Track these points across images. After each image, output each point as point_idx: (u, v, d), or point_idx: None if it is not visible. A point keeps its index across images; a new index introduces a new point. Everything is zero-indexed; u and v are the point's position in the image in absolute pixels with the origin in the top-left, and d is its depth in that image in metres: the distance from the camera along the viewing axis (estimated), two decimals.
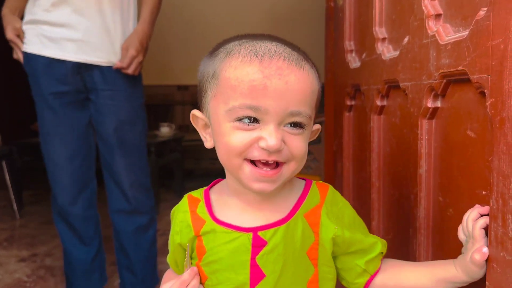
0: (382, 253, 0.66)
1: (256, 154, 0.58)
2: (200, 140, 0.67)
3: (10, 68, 4.64)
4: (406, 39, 0.74)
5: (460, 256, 0.58)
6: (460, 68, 0.57)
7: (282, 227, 0.63)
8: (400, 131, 0.81)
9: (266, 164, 0.58)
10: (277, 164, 0.59)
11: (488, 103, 0.51)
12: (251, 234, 0.62)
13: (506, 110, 0.48)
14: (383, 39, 0.88)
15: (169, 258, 0.72)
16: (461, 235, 0.58)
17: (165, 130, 3.48)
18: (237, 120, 0.57)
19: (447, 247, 0.64)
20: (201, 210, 0.67)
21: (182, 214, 0.68)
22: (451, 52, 0.59)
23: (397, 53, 0.79)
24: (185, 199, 0.70)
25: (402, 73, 0.76)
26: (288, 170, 0.60)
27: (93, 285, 1.61)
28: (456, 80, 0.60)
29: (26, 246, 2.45)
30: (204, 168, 4.29)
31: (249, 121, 0.57)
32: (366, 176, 0.99)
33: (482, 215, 0.54)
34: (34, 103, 1.48)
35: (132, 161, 1.53)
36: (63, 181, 1.48)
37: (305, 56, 0.62)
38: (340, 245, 0.64)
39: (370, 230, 0.95)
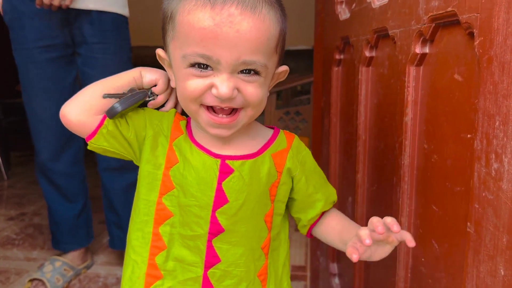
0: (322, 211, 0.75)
1: (210, 101, 0.60)
2: None
3: None
4: None
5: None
6: (449, 9, 0.55)
7: (250, 160, 0.67)
8: (388, 81, 0.80)
9: (222, 110, 0.60)
10: (234, 110, 0.61)
11: (476, 43, 0.50)
12: (219, 160, 0.66)
13: (494, 48, 0.47)
14: None
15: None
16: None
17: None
18: (191, 67, 0.59)
19: (430, 193, 0.65)
20: (183, 124, 0.70)
21: (167, 120, 0.70)
22: None
23: (386, 0, 0.77)
24: (173, 111, 0.72)
25: (392, 20, 0.74)
26: (245, 116, 0.62)
27: (79, 242, 1.62)
28: (445, 23, 0.59)
29: (14, 206, 2.45)
30: None
31: (201, 68, 0.58)
32: (352, 130, 0.98)
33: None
34: (14, 58, 1.43)
35: None
36: (47, 138, 1.46)
37: None
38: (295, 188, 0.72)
39: (355, 183, 0.96)
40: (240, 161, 0.66)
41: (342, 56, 1.11)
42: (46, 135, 1.46)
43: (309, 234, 0.78)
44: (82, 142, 1.58)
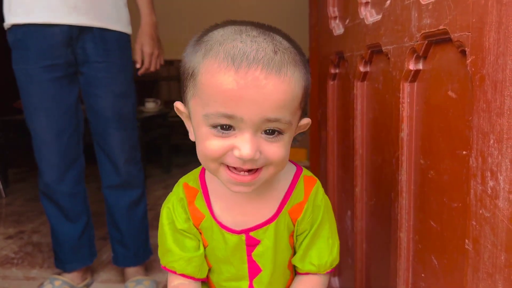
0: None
1: (231, 161, 0.58)
2: None
3: None
4: (388, 2, 0.73)
5: None
6: (441, 27, 0.56)
7: (272, 225, 0.68)
8: (383, 96, 0.81)
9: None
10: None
11: (468, 61, 0.50)
12: (243, 235, 0.68)
13: (486, 67, 0.47)
14: (366, 3, 0.87)
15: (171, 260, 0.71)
16: None
17: (151, 106, 3.45)
18: (213, 127, 0.57)
19: (428, 209, 0.65)
20: (199, 202, 0.69)
21: (180, 205, 0.69)
22: (432, 11, 0.58)
23: (379, 16, 0.78)
24: (181, 187, 0.70)
25: (385, 37, 0.75)
26: (267, 173, 0.61)
27: (82, 261, 1.61)
28: (437, 41, 0.60)
29: (12, 224, 2.44)
30: (191, 144, 4.25)
31: (223, 129, 0.57)
32: (349, 144, 0.99)
33: None
34: (15, 77, 1.42)
35: (126, 135, 1.50)
36: (50, 158, 1.44)
37: (289, 55, 0.58)
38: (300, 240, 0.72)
39: (354, 197, 0.96)
40: (263, 229, 0.68)
41: (337, 70, 1.12)
42: (49, 156, 1.44)
43: None
44: (84, 161, 1.57)
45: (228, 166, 0.59)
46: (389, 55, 0.74)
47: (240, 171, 0.59)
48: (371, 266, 0.92)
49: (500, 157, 0.45)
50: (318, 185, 0.71)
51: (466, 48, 0.51)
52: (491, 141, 0.47)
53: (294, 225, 0.70)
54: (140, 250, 1.62)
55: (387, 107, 0.78)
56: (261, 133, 0.57)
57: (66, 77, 1.40)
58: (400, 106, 0.70)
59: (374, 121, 0.87)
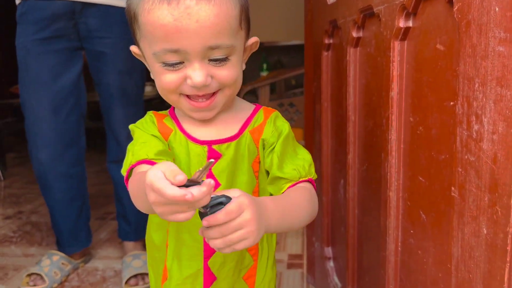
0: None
1: (187, 90, 0.63)
2: None
3: None
4: None
5: None
6: None
7: (234, 142, 0.69)
8: (375, 59, 0.81)
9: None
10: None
11: (455, 9, 0.51)
12: (206, 146, 0.68)
13: (471, 12, 0.47)
14: None
15: (138, 151, 0.65)
16: None
17: (148, 89, 3.44)
18: (163, 64, 0.61)
19: (417, 165, 0.65)
20: (168, 120, 0.71)
21: (150, 121, 0.71)
22: None
23: None
24: (150, 113, 0.72)
25: None
26: (224, 96, 0.65)
27: (81, 243, 1.62)
28: None
29: (11, 205, 2.45)
30: None
31: (173, 63, 0.61)
32: (343, 113, 0.99)
33: None
34: (16, 54, 1.41)
35: (129, 111, 1.50)
36: (46, 135, 1.42)
37: None
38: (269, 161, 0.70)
39: (346, 165, 0.96)
40: (225, 144, 0.69)
41: (331, 41, 1.12)
42: (45, 133, 1.42)
43: None
44: (85, 143, 1.57)
45: (187, 96, 0.64)
46: (380, 16, 0.74)
47: (198, 98, 0.64)
48: (362, 230, 0.93)
49: (484, 99, 0.46)
50: (276, 113, 0.74)
51: None
52: (476, 85, 0.47)
53: (257, 147, 0.70)
54: (140, 226, 1.63)
55: (379, 69, 0.78)
56: (208, 60, 0.61)
57: (66, 50, 1.39)
58: (391, 65, 0.70)
59: (367, 86, 0.87)
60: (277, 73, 2.51)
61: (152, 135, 0.68)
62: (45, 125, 1.42)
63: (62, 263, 1.56)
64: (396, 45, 0.69)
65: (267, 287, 0.76)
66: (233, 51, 0.62)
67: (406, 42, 0.68)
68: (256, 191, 0.71)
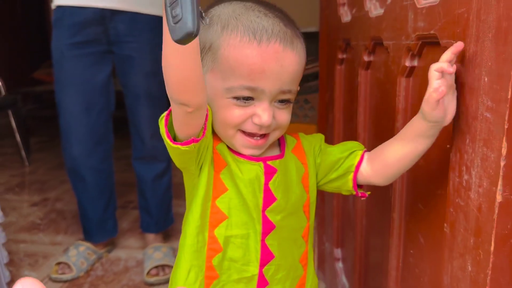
0: (357, 150, 0.73)
1: (249, 128, 0.65)
2: None
3: (9, 18, 4.59)
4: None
5: None
6: (432, 32, 0.61)
7: (282, 159, 0.72)
8: (384, 86, 0.87)
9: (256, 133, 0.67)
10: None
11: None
12: (261, 163, 0.69)
13: (466, 76, 0.53)
14: None
15: None
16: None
17: None
18: (235, 98, 0.63)
19: (418, 193, 0.72)
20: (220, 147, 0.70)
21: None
22: (425, 16, 0.63)
23: (382, 11, 0.83)
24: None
25: (386, 32, 0.80)
26: (275, 136, 0.69)
27: (108, 234, 1.73)
28: (429, 43, 0.65)
29: (37, 192, 2.57)
30: None
31: (245, 99, 0.63)
32: (353, 127, 1.05)
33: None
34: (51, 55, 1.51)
35: (154, 111, 1.59)
36: (79, 133, 1.54)
37: (295, 29, 0.65)
38: (323, 165, 0.74)
39: None
40: (278, 160, 0.71)
41: (344, 56, 1.17)
42: (78, 131, 1.53)
43: (358, 192, 0.74)
44: (113, 139, 1.67)
45: (243, 132, 0.67)
46: (388, 50, 0.79)
47: (254, 136, 0.67)
48: (369, 239, 1.00)
49: (473, 154, 0.52)
50: (301, 133, 0.79)
51: None
52: (467, 141, 0.53)
53: (304, 164, 0.73)
54: (161, 219, 1.74)
55: (387, 96, 0.84)
56: (275, 102, 0.65)
57: (97, 54, 1.48)
58: (397, 98, 0.76)
59: (376, 108, 0.93)
60: None
61: None
62: (78, 123, 1.52)
63: (88, 253, 1.67)
64: (402, 81, 0.75)
65: None
66: (295, 97, 0.68)
67: (411, 79, 0.74)
68: (307, 205, 0.73)
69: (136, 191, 1.78)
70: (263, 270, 0.71)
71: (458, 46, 0.53)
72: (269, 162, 0.70)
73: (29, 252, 1.80)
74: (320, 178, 0.75)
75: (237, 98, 0.63)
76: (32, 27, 4.80)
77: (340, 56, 1.18)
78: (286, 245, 0.72)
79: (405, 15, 0.71)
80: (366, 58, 0.95)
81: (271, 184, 0.69)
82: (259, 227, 0.69)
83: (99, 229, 1.69)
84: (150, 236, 1.75)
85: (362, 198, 0.75)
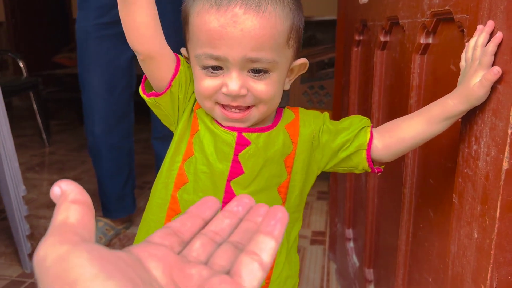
0: (366, 127, 0.70)
1: (222, 99, 0.64)
2: None
3: (31, 3, 4.67)
4: None
5: (458, 87, 0.57)
6: (446, 7, 0.63)
7: (265, 133, 0.69)
8: (399, 65, 0.88)
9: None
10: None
11: (465, 41, 0.58)
12: (235, 133, 0.68)
13: None
14: None
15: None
16: (462, 62, 0.58)
17: None
18: (204, 68, 0.63)
19: (428, 168, 0.73)
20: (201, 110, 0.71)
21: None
22: None
23: None
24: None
25: (402, 11, 0.81)
26: (258, 111, 0.66)
27: (126, 210, 1.78)
28: (444, 19, 0.66)
29: (56, 171, 2.64)
30: None
31: (213, 69, 0.62)
32: (368, 108, 1.07)
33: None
34: (76, 36, 1.55)
35: None
36: (101, 111, 1.58)
37: None
38: (330, 144, 0.70)
39: None
40: (255, 134, 0.68)
41: (361, 38, 1.18)
42: (101, 109, 1.58)
43: (374, 168, 0.72)
44: (133, 118, 1.72)
45: (221, 105, 0.65)
46: (404, 28, 0.80)
47: (231, 108, 0.64)
48: (379, 218, 1.02)
49: (482, 125, 0.54)
50: (301, 108, 0.75)
51: (464, 29, 0.58)
52: (477, 111, 0.55)
53: (293, 143, 0.70)
54: None
55: (401, 75, 0.85)
56: (248, 71, 0.62)
57: (121, 35, 1.50)
58: (411, 76, 0.77)
59: (390, 88, 0.94)
60: (307, 53, 2.56)
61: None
62: (101, 101, 1.57)
63: (106, 229, 1.73)
64: (417, 58, 0.76)
65: (283, 283, 0.74)
66: (274, 67, 0.62)
67: (425, 56, 0.75)
68: (284, 186, 0.71)
69: (154, 171, 1.83)
70: None
71: (490, 25, 0.51)
72: (244, 134, 0.68)
73: None
74: (329, 159, 0.72)
75: (205, 67, 0.63)
76: (53, 12, 4.87)
77: (356, 38, 1.19)
78: None
79: None
80: (382, 38, 0.96)
81: (240, 156, 0.68)
82: (220, 197, 0.68)
83: (117, 205, 1.75)
84: None
85: (378, 173, 0.73)
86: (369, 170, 0.72)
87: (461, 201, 0.59)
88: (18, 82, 2.99)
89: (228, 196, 0.68)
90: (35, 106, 3.07)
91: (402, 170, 0.81)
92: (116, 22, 1.53)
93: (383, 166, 0.73)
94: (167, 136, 1.71)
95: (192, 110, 0.71)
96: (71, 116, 4.15)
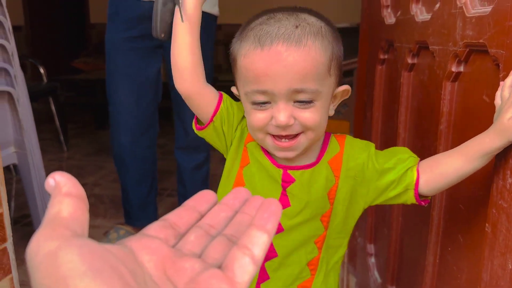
0: (413, 166, 0.71)
1: (272, 130, 0.68)
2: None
3: (50, 10, 4.75)
4: (437, 6, 0.80)
5: (494, 123, 0.59)
6: (481, 40, 0.64)
7: (309, 170, 0.73)
8: (427, 88, 0.89)
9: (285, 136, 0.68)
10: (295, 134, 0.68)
11: (501, 75, 0.59)
12: (281, 170, 0.73)
13: None
14: (417, 0, 0.94)
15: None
16: (497, 100, 0.60)
17: None
18: (253, 104, 0.68)
19: (458, 194, 0.75)
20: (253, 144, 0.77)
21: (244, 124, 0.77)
22: (474, 25, 0.66)
23: (429, 16, 0.85)
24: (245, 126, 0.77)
25: (432, 37, 0.83)
26: (306, 138, 0.69)
27: (149, 217, 1.81)
28: (477, 50, 0.68)
29: (75, 176, 2.66)
30: None
31: (261, 103, 0.67)
32: (393, 126, 1.08)
33: None
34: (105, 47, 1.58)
35: None
36: (128, 123, 1.62)
37: (312, 28, 0.64)
38: (372, 176, 0.72)
39: None
40: (300, 171, 0.73)
41: (386, 56, 1.20)
42: (128, 120, 1.62)
43: (421, 201, 0.72)
44: (157, 128, 1.75)
45: (272, 135, 0.69)
46: (434, 54, 0.82)
47: (282, 138, 0.68)
48: (404, 237, 1.04)
49: None
50: (349, 137, 0.77)
51: (500, 63, 0.60)
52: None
53: (336, 177, 0.73)
54: None
55: (430, 99, 0.87)
56: (294, 102, 0.65)
57: (149, 48, 1.55)
58: (441, 102, 0.79)
59: (418, 109, 0.96)
60: None
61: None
62: (128, 113, 1.61)
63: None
64: (447, 85, 0.77)
65: None
66: (318, 96, 0.66)
67: (456, 84, 0.76)
68: (327, 215, 0.75)
69: (176, 179, 1.87)
70: (265, 264, 0.76)
71: None
72: (289, 171, 0.73)
73: None
74: (376, 196, 0.74)
75: (254, 103, 0.67)
76: (71, 18, 4.95)
77: (381, 56, 1.21)
78: (293, 248, 0.75)
79: (453, 23, 0.73)
80: (410, 61, 0.98)
81: (288, 190, 0.73)
82: None
83: (141, 213, 1.78)
84: None
85: (426, 205, 0.74)
86: (417, 203, 0.73)
87: (494, 231, 0.60)
88: (38, 88, 3.05)
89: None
90: (54, 110, 3.12)
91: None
92: (143, 36, 1.57)
93: (430, 197, 0.74)
94: (190, 147, 1.75)
95: (240, 142, 0.76)
96: (86, 121, 4.20)
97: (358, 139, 0.79)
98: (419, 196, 0.71)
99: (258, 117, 0.68)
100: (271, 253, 0.75)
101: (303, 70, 0.63)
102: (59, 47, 4.77)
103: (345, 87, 0.73)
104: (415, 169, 0.71)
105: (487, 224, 0.62)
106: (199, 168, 1.78)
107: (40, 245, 0.23)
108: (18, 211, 2.11)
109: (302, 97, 0.65)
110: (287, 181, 0.74)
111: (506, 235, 0.57)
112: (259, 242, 0.27)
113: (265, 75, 0.64)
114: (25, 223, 2.00)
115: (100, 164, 2.91)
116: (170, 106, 1.77)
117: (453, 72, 0.75)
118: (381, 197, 0.75)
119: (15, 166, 1.62)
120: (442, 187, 0.70)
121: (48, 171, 2.76)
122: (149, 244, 0.27)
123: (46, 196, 1.51)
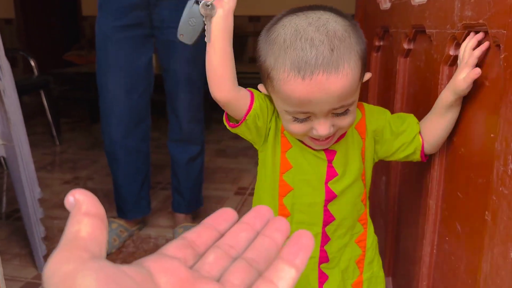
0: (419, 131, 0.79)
1: (312, 135, 0.73)
2: None
3: (42, 2, 4.68)
4: None
5: (450, 80, 0.69)
6: (480, 21, 0.62)
7: (343, 139, 0.80)
8: (424, 74, 0.87)
9: None
10: None
11: (502, 56, 0.57)
12: (322, 151, 0.79)
13: None
14: None
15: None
16: (458, 61, 0.69)
17: None
18: (293, 117, 0.71)
19: (456, 182, 0.73)
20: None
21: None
22: (474, 5, 0.63)
23: (425, 0, 0.82)
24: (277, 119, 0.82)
25: (429, 20, 0.80)
26: (340, 133, 0.76)
27: (142, 211, 1.79)
28: (476, 32, 0.65)
29: (68, 170, 2.65)
30: None
31: (302, 119, 0.71)
32: None
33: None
34: (95, 37, 1.55)
35: (192, 97, 1.63)
36: (119, 115, 1.58)
37: (344, 44, 0.65)
38: (388, 137, 0.81)
39: (389, 163, 1.04)
40: (338, 143, 0.79)
41: (381, 43, 1.17)
42: (119, 112, 1.57)
43: (424, 158, 0.81)
44: (150, 121, 1.72)
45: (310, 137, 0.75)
46: (431, 38, 0.79)
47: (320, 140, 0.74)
48: (401, 227, 1.02)
49: None
50: (365, 104, 0.84)
51: (500, 44, 0.57)
52: None
53: (362, 138, 0.81)
54: (192, 200, 1.79)
55: (427, 85, 0.84)
56: (332, 113, 0.70)
57: (140, 38, 1.51)
58: (439, 87, 0.76)
59: (414, 96, 0.93)
60: None
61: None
62: (119, 105, 1.56)
63: (120, 231, 1.73)
64: (445, 69, 0.75)
65: (374, 249, 0.88)
66: (353, 104, 0.71)
67: (454, 68, 0.74)
68: (363, 173, 0.83)
69: (170, 172, 1.83)
70: (325, 228, 0.82)
71: (481, 35, 0.64)
72: (329, 147, 0.79)
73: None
74: (389, 155, 0.83)
75: (296, 118, 0.71)
76: (63, 8, 4.88)
77: (377, 43, 1.18)
78: (346, 209, 0.82)
79: (451, 4, 0.71)
80: (406, 46, 0.95)
81: (334, 163, 0.79)
82: (322, 196, 0.80)
83: (134, 206, 1.75)
84: (180, 216, 1.80)
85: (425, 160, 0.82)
86: (420, 160, 0.82)
87: (494, 219, 0.58)
88: (29, 81, 3.00)
89: (329, 195, 0.80)
90: (45, 104, 3.08)
91: (428, 182, 0.81)
92: (135, 25, 1.54)
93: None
94: (184, 139, 1.71)
95: (277, 131, 0.80)
96: (80, 115, 4.16)
97: (372, 105, 0.86)
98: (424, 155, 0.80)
99: (298, 127, 0.72)
100: (329, 218, 0.81)
101: (342, 93, 0.67)
102: (52, 40, 4.71)
103: (368, 75, 0.76)
104: (419, 136, 0.79)
105: (486, 212, 0.60)
106: (193, 161, 1.74)
107: (58, 266, 0.23)
108: (10, 206, 2.08)
109: (340, 110, 0.70)
110: (331, 154, 0.79)
111: (507, 223, 0.55)
112: (286, 277, 0.26)
113: (309, 102, 0.67)
114: (16, 218, 1.97)
115: (94, 158, 2.87)
116: (163, 99, 1.74)
117: (451, 55, 0.73)
118: (393, 156, 0.83)
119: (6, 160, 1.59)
120: (438, 143, 0.78)
121: (40, 165, 2.75)
122: (168, 265, 0.27)
123: (35, 190, 1.48)
